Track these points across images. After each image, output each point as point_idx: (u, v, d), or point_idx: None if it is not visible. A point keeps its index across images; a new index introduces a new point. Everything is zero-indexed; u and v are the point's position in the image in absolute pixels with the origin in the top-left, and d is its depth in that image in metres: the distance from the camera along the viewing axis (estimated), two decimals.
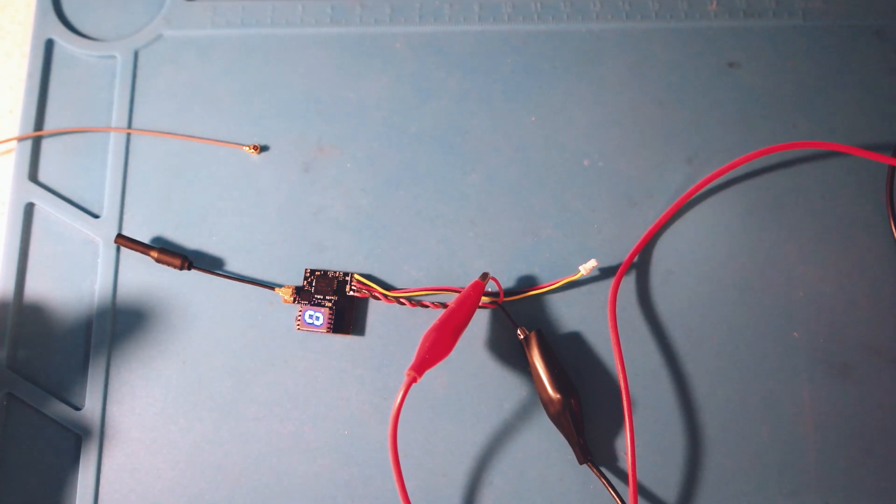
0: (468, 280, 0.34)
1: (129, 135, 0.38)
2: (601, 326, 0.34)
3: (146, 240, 0.37)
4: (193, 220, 0.37)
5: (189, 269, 0.36)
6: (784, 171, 0.36)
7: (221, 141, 0.37)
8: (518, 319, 0.34)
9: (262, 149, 0.37)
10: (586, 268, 0.34)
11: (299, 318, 0.35)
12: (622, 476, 0.33)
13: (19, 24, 0.41)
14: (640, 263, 0.35)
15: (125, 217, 0.37)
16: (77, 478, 0.34)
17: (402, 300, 0.35)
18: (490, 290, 0.35)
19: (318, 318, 0.35)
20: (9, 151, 0.39)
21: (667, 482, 0.33)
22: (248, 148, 0.35)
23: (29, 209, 0.37)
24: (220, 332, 0.36)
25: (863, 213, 0.35)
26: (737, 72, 0.37)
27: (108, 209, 0.37)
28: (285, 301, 0.35)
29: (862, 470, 0.33)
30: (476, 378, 0.34)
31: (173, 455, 0.34)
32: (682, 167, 0.36)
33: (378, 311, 0.35)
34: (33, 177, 0.38)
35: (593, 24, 0.38)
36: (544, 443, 0.33)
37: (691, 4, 0.38)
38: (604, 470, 0.33)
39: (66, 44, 0.40)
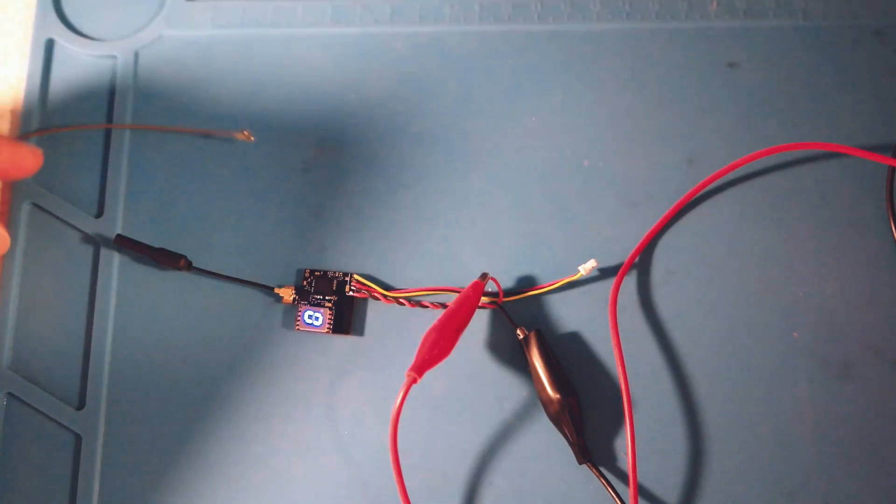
0: (468, 280, 0.34)
1: (129, 135, 0.38)
2: (601, 326, 0.34)
3: (146, 240, 0.37)
4: (193, 220, 0.37)
5: (189, 269, 0.36)
6: (784, 171, 0.36)
7: (213, 130, 0.37)
8: (517, 319, 0.34)
9: (256, 136, 0.37)
10: (586, 268, 0.34)
11: (299, 318, 0.35)
12: (622, 476, 0.33)
13: (19, 24, 0.41)
14: (641, 263, 0.35)
15: (125, 217, 0.37)
16: (77, 478, 0.34)
17: (401, 300, 0.35)
18: (489, 290, 0.35)
19: (317, 319, 0.35)
20: None
21: (667, 482, 0.33)
22: (240, 134, 0.35)
23: (29, 209, 0.37)
24: (220, 332, 0.36)
25: (863, 213, 0.35)
26: (737, 72, 0.37)
27: (108, 209, 0.37)
28: (285, 301, 0.35)
29: (862, 470, 0.33)
30: (476, 378, 0.34)
31: (173, 455, 0.34)
32: (682, 167, 0.36)
33: (378, 312, 0.35)
34: (33, 177, 0.38)
35: (593, 25, 0.38)
36: (544, 443, 0.33)
37: (691, 4, 0.38)
38: (604, 470, 0.33)
39: (66, 44, 0.40)
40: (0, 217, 0.38)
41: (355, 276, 0.35)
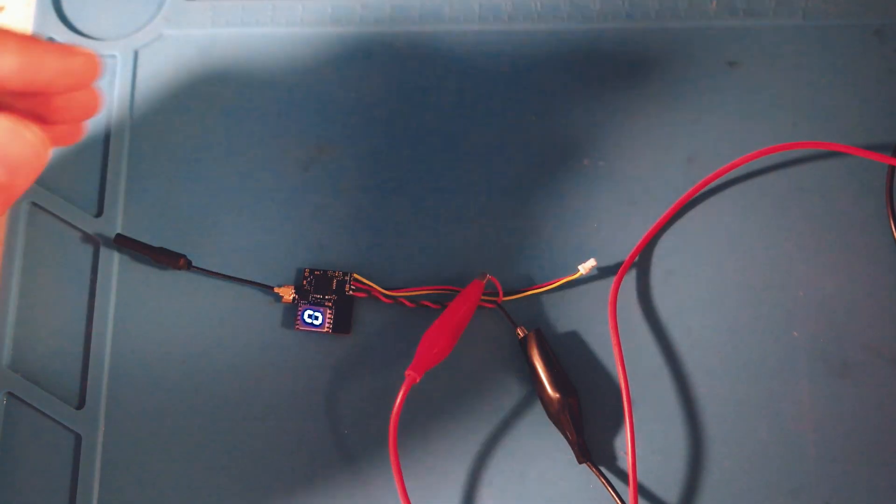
0: (468, 280, 0.34)
1: (129, 135, 0.38)
2: (601, 326, 0.34)
3: (146, 240, 0.37)
4: (193, 220, 0.37)
5: (188, 269, 0.36)
6: (784, 171, 0.36)
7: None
8: (517, 319, 0.34)
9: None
10: (585, 267, 0.34)
11: (298, 318, 0.35)
12: (622, 476, 0.33)
13: (19, 25, 0.41)
14: (640, 263, 0.35)
15: (125, 217, 0.37)
16: (77, 478, 0.34)
17: (401, 300, 0.35)
18: (489, 289, 0.35)
19: (317, 318, 0.35)
20: None
21: (667, 482, 0.33)
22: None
23: (29, 209, 0.37)
24: (220, 332, 0.36)
25: (863, 213, 0.35)
26: (737, 72, 0.37)
27: (108, 209, 0.37)
28: (285, 301, 0.35)
29: (862, 470, 0.33)
30: (476, 378, 0.34)
31: (173, 455, 0.34)
32: (682, 167, 0.36)
33: (378, 311, 0.35)
34: None
35: (593, 24, 0.38)
36: (544, 443, 0.33)
37: (691, 4, 0.38)
38: (603, 470, 0.33)
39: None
40: None
41: (355, 276, 0.35)
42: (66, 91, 0.28)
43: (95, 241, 0.37)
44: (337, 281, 0.35)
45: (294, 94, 0.38)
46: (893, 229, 0.34)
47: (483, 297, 0.34)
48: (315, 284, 0.35)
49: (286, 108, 0.38)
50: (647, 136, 0.37)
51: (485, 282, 0.34)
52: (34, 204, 0.37)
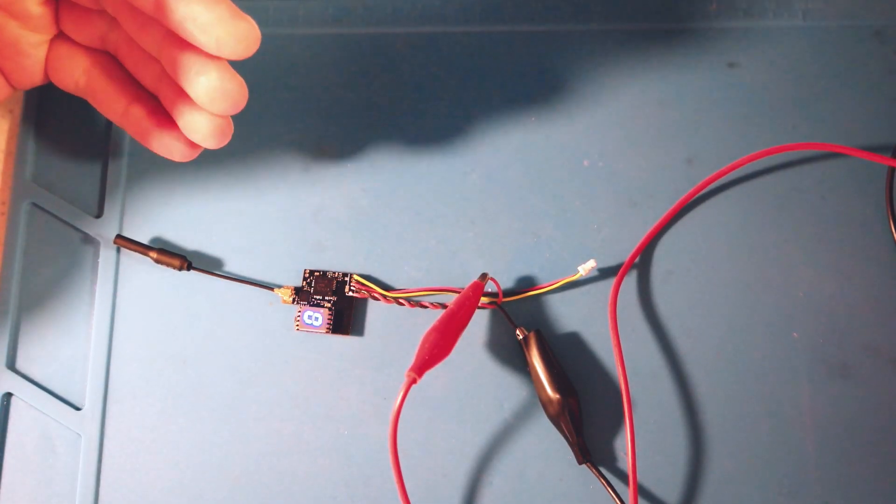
0: (468, 280, 0.34)
1: (129, 135, 0.38)
2: (601, 326, 0.34)
3: (146, 240, 0.37)
4: (193, 220, 0.37)
5: (188, 269, 0.36)
6: (784, 171, 0.36)
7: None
8: (517, 320, 0.34)
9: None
10: (585, 268, 0.34)
11: (298, 318, 0.35)
12: (622, 476, 0.33)
13: None
14: (640, 263, 0.35)
15: (125, 217, 0.37)
16: (77, 478, 0.35)
17: (401, 301, 0.35)
18: (489, 290, 0.35)
19: (316, 319, 0.35)
20: (9, 152, 0.39)
21: (667, 482, 0.33)
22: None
23: (29, 209, 0.37)
24: (220, 332, 0.36)
25: (863, 214, 0.35)
26: (737, 72, 0.37)
27: (108, 209, 0.37)
28: (284, 301, 0.35)
29: (862, 470, 0.33)
30: (476, 378, 0.34)
31: (173, 455, 0.34)
32: (682, 167, 0.36)
33: (378, 312, 0.35)
34: (33, 177, 0.38)
35: (593, 24, 0.38)
36: (544, 443, 0.33)
37: (691, 4, 0.38)
38: (603, 470, 0.33)
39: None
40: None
41: (355, 276, 0.35)
42: (213, 49, 0.29)
43: (95, 242, 0.37)
44: (337, 281, 0.35)
45: (294, 95, 0.38)
46: (893, 229, 0.34)
47: (483, 298, 0.34)
48: (315, 285, 0.35)
49: (286, 109, 0.38)
50: (647, 136, 0.37)
51: (485, 282, 0.34)
52: (34, 204, 0.37)
